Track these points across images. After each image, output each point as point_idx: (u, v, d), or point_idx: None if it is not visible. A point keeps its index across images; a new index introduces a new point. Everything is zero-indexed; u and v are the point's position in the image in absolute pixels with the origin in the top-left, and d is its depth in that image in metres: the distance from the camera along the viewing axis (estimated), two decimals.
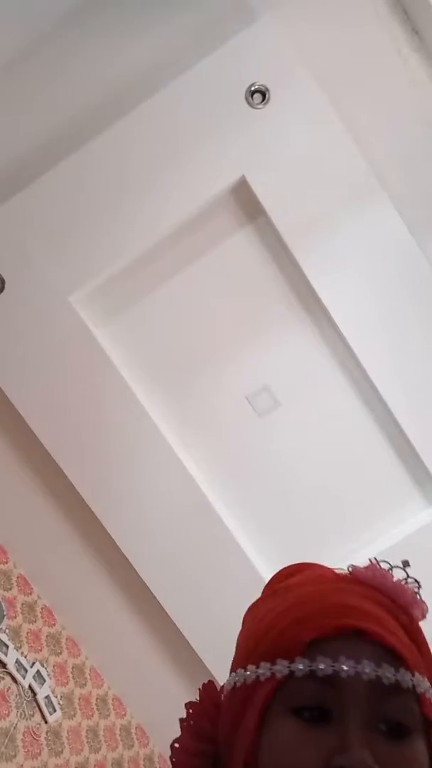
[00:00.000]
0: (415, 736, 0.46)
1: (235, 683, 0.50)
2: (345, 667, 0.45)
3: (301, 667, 0.46)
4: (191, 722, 0.54)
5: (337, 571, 0.58)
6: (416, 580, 0.54)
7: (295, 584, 0.57)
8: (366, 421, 1.48)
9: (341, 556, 1.52)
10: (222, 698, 0.54)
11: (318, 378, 1.47)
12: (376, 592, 0.52)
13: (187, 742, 0.53)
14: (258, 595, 0.63)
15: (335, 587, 0.54)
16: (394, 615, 0.51)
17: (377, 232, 1.35)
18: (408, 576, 0.54)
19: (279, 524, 1.52)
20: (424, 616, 0.53)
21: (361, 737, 0.44)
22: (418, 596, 0.53)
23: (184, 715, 0.55)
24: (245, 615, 0.59)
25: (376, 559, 0.56)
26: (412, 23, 1.36)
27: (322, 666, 0.45)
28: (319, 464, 1.50)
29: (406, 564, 0.56)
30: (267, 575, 1.62)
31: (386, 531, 1.51)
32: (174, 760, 0.53)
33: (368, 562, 0.55)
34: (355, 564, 0.56)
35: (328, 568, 0.60)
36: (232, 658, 0.57)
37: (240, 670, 0.50)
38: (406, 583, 0.54)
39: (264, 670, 0.48)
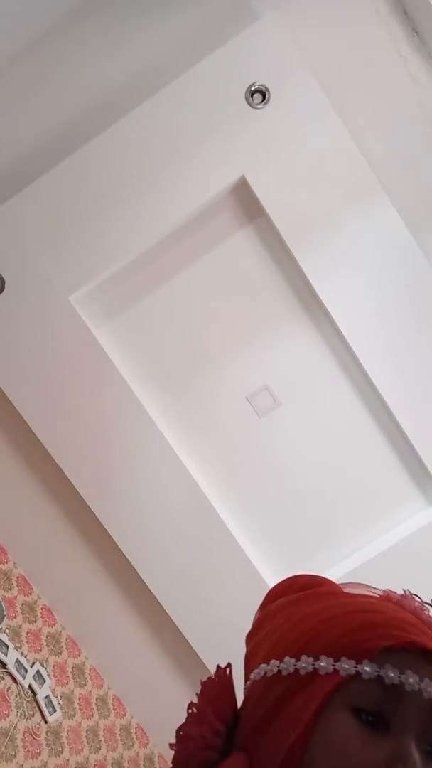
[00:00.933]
0: None
1: (279, 671, 0.50)
2: (411, 680, 0.46)
3: (368, 669, 0.47)
4: (213, 700, 0.53)
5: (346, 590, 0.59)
6: None
7: (340, 592, 0.58)
8: (366, 421, 1.48)
9: (341, 556, 1.52)
10: (250, 683, 0.53)
11: (318, 378, 1.47)
12: (419, 621, 0.53)
13: (209, 718, 0.51)
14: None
15: (391, 605, 0.54)
16: None
17: (377, 232, 1.35)
18: None
19: (279, 523, 1.52)
20: None
21: (417, 751, 0.45)
22: None
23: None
24: (274, 611, 0.59)
25: (410, 591, 0.57)
26: (412, 23, 1.36)
27: (391, 674, 0.47)
28: (319, 464, 1.50)
29: None
30: (266, 575, 1.62)
31: (386, 531, 1.51)
32: (186, 734, 0.51)
33: (404, 592, 0.57)
34: (390, 590, 0.58)
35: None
36: (251, 649, 0.56)
37: (289, 659, 0.50)
38: None
39: (326, 664, 0.48)
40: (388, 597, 0.56)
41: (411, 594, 0.56)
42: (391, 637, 0.48)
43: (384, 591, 0.57)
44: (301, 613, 0.55)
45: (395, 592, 0.57)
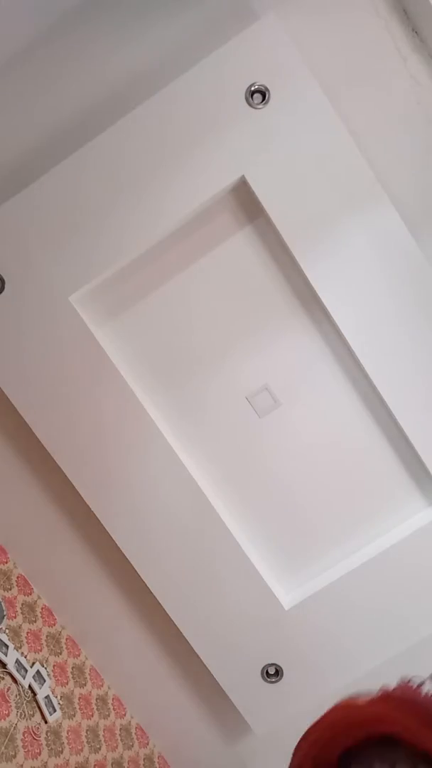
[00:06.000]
0: None
1: None
2: None
3: None
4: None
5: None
6: None
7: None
8: (366, 421, 1.48)
9: (341, 556, 1.52)
10: None
11: (318, 378, 1.47)
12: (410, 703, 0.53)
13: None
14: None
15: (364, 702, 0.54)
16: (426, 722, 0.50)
17: (377, 232, 1.35)
18: None
19: (278, 523, 1.52)
20: None
21: None
22: None
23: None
24: None
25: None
26: (412, 23, 1.36)
27: None
28: (319, 464, 1.50)
29: None
30: (266, 575, 1.61)
31: (386, 531, 1.51)
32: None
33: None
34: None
35: None
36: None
37: None
38: None
39: None
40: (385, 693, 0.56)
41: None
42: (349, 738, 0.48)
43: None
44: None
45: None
